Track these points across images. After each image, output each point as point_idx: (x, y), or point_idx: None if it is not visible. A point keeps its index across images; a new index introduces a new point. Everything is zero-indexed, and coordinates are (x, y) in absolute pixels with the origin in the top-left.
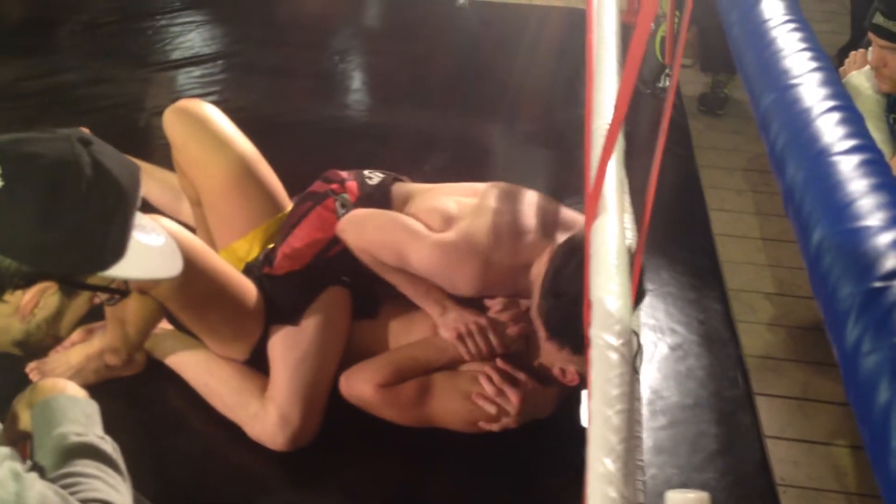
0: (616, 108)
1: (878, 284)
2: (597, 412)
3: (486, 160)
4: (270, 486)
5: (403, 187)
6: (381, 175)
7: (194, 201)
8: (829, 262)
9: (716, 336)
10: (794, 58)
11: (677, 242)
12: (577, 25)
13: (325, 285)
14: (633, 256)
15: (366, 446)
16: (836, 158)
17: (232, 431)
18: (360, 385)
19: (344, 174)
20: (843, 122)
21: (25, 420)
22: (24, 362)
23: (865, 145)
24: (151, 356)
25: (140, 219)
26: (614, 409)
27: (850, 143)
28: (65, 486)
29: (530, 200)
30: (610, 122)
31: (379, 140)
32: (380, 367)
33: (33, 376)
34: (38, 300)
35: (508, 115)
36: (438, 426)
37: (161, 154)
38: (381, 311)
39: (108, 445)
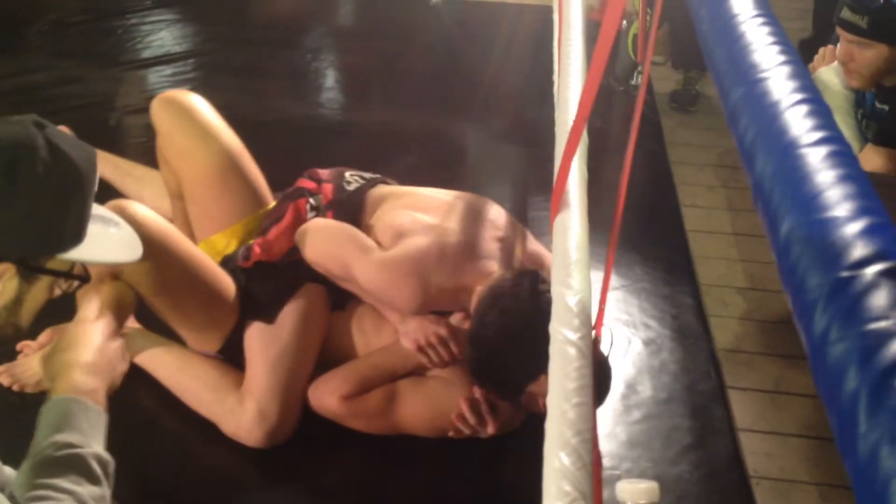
0: (580, 106)
1: (845, 274)
2: (554, 407)
3: (459, 158)
4: (245, 486)
5: (379, 192)
6: (362, 180)
7: (175, 194)
8: (797, 253)
9: (689, 330)
10: (763, 52)
11: (650, 238)
12: (550, 23)
13: (303, 281)
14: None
15: (342, 445)
16: (804, 151)
17: (205, 432)
18: (325, 398)
19: (324, 174)
20: (812, 114)
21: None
22: None
23: (833, 137)
24: None
25: (97, 209)
26: (571, 403)
27: (818, 135)
28: (35, 498)
29: (493, 222)
30: (573, 119)
31: (352, 138)
32: (345, 379)
33: (2, 379)
34: None
35: (481, 113)
36: (406, 433)
37: (133, 153)
38: (348, 304)
39: (96, 461)
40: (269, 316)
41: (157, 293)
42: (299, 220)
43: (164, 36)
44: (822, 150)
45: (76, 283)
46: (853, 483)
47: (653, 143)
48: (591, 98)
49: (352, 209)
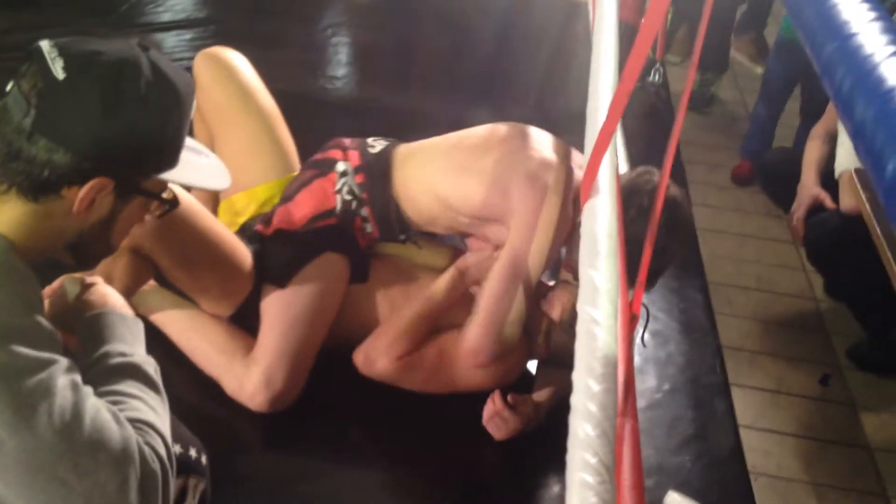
0: (610, 111)
1: None
2: (580, 382)
3: None
4: (245, 446)
5: (405, 148)
6: (385, 142)
7: None
8: None
9: (696, 325)
10: (854, 9)
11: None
12: (571, 15)
13: (323, 250)
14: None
15: (346, 411)
16: None
17: (209, 391)
18: (380, 361)
19: (348, 142)
20: None
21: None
22: None
23: None
24: (135, 312)
25: (189, 140)
26: (598, 384)
27: None
28: (110, 404)
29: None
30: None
31: (368, 115)
32: (395, 339)
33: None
34: (93, 197)
35: (500, 99)
36: (461, 390)
37: None
38: (371, 275)
39: (151, 367)
40: (281, 280)
41: (176, 265)
42: (326, 193)
43: (185, 1)
44: None
45: (166, 207)
46: None
47: (666, 140)
48: (623, 105)
49: (381, 168)
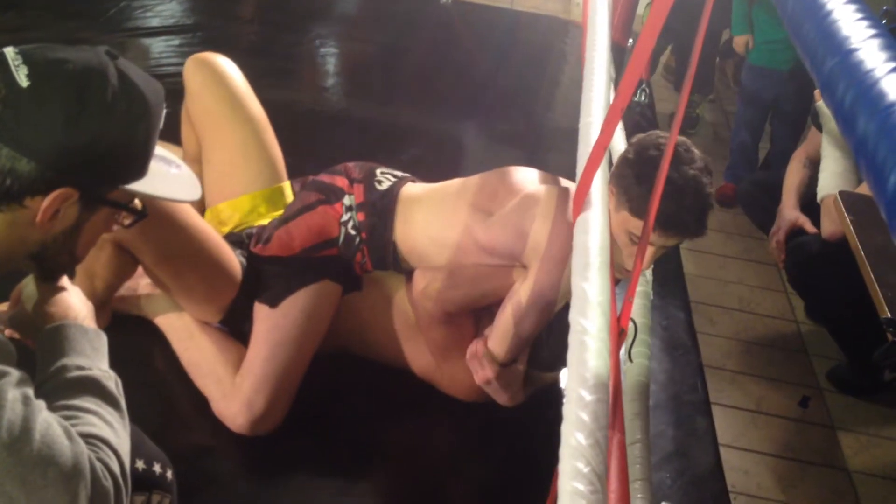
0: (604, 127)
1: None
2: (572, 391)
3: (458, 155)
4: (222, 462)
5: (410, 192)
6: (393, 178)
7: (192, 157)
8: None
9: (678, 342)
10: (853, 26)
11: None
12: (553, 32)
13: (319, 277)
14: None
15: (325, 434)
16: None
17: (188, 404)
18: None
19: (356, 173)
20: None
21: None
22: None
23: None
24: (121, 313)
25: (157, 149)
26: (590, 394)
27: None
28: (63, 418)
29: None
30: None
31: (354, 126)
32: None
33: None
34: (57, 207)
35: (484, 114)
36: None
37: None
38: (364, 284)
39: (111, 382)
40: (272, 300)
41: (159, 262)
42: (329, 224)
43: (173, 7)
44: None
45: (133, 217)
46: None
47: None
48: (615, 124)
49: (383, 209)
